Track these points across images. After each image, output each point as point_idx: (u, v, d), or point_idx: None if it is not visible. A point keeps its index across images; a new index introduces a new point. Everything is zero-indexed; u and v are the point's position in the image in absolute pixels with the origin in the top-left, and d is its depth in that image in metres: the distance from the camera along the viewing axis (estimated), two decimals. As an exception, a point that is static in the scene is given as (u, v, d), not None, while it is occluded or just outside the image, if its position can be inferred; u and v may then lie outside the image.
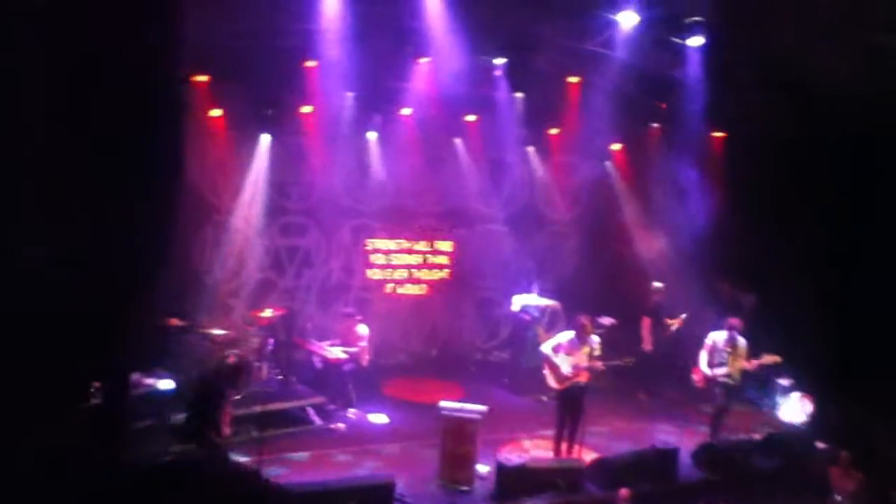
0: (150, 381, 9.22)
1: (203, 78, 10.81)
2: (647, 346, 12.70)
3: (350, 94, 12.09)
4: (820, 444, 10.76)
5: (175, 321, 10.27)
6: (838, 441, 10.39)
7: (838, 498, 9.06)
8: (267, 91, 11.24)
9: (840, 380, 10.91)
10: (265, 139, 11.94)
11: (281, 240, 12.78)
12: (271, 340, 10.86)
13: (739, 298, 12.94)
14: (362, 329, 11.31)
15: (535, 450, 10.30)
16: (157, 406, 9.14)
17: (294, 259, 12.91)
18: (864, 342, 11.22)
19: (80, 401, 7.62)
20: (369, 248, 13.43)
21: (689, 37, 11.49)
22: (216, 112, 11.35)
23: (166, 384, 9.32)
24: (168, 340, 10.23)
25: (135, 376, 8.85)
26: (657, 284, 13.03)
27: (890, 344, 10.87)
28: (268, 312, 11.03)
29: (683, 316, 12.46)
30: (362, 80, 11.44)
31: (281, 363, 11.16)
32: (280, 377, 10.97)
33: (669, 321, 12.61)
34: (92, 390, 7.95)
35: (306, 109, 11.91)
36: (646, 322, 12.80)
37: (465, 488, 8.97)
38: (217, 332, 10.52)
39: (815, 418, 11.51)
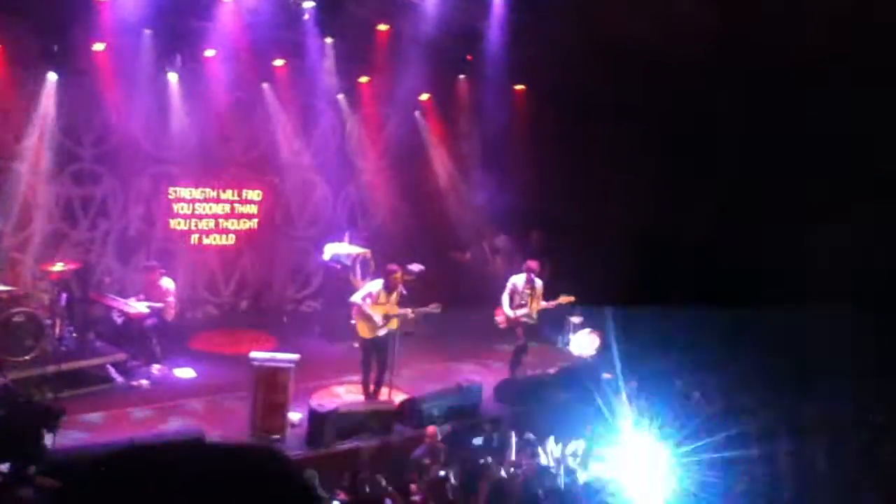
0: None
1: (-25, 7, 9.74)
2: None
3: (148, 32, 11.34)
4: (607, 375, 11.81)
5: (-52, 278, 9.39)
6: (622, 372, 11.46)
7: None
8: (53, 25, 10.32)
9: (623, 317, 12.03)
10: (52, 78, 10.97)
11: (73, 188, 11.87)
12: (64, 296, 10.18)
13: (538, 244, 13.80)
14: (167, 283, 10.87)
15: (348, 395, 10.51)
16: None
17: (88, 209, 12.04)
18: (646, 281, 12.41)
19: None
20: (172, 196, 12.79)
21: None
22: (-7, 47, 10.28)
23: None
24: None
25: None
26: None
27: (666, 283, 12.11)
28: (59, 266, 10.31)
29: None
30: (161, 17, 10.81)
31: (76, 320, 10.50)
32: (75, 334, 10.34)
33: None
34: None
35: (99, 47, 11.03)
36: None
37: (277, 437, 9.01)
38: (2, 287, 9.71)
39: (602, 352, 12.60)
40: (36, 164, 11.24)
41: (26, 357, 9.38)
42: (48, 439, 7.32)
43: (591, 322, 12.96)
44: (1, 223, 10.93)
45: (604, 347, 12.66)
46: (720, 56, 11.70)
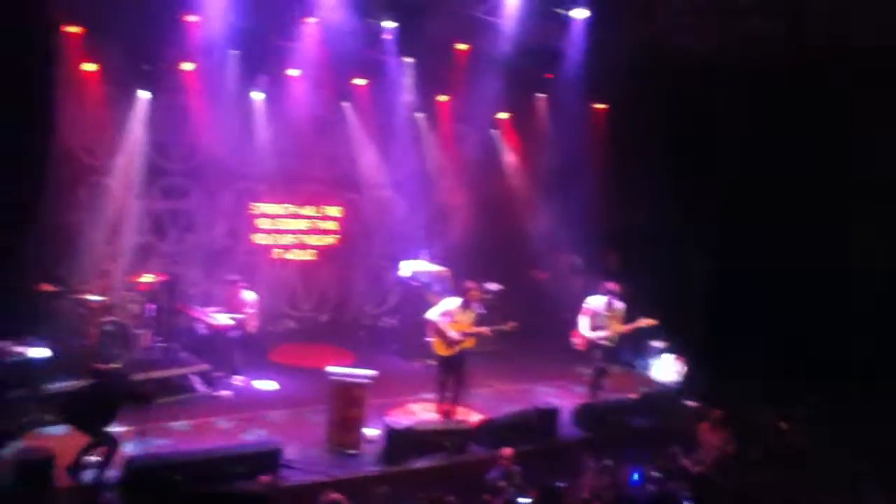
0: (20, 348, 8.75)
1: (76, 29, 10.16)
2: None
3: (234, 52, 11.66)
4: (689, 403, 11.46)
5: (47, 286, 9.75)
6: (705, 400, 11.11)
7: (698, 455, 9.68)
8: (145, 45, 10.69)
9: (709, 343, 11.66)
10: (143, 96, 11.37)
11: (162, 202, 12.27)
12: (152, 307, 10.49)
13: (617, 264, 13.52)
14: (248, 295, 11.10)
15: (423, 413, 10.47)
16: (29, 374, 8.70)
17: (176, 222, 12.43)
18: (733, 308, 12.02)
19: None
20: (255, 212, 13.10)
21: (572, 8, 11.78)
22: (91, 66, 10.70)
23: (39, 352, 8.87)
24: (40, 307, 9.72)
25: (2, 343, 8.39)
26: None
27: (757, 311, 11.68)
28: (148, 278, 10.63)
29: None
30: (247, 38, 11.09)
31: (163, 330, 10.79)
32: (161, 344, 10.62)
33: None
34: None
35: (187, 66, 11.40)
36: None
37: (353, 452, 9.03)
38: (93, 297, 10.06)
39: (686, 379, 12.22)
40: (127, 179, 11.65)
41: (114, 365, 9.66)
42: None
43: (674, 347, 12.59)
44: (94, 235, 11.33)
45: (688, 373, 12.29)
46: (801, 70, 11.30)
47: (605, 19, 12.08)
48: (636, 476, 8.60)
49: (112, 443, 7.69)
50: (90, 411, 7.71)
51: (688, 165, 12.82)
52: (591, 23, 12.19)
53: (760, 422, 10.48)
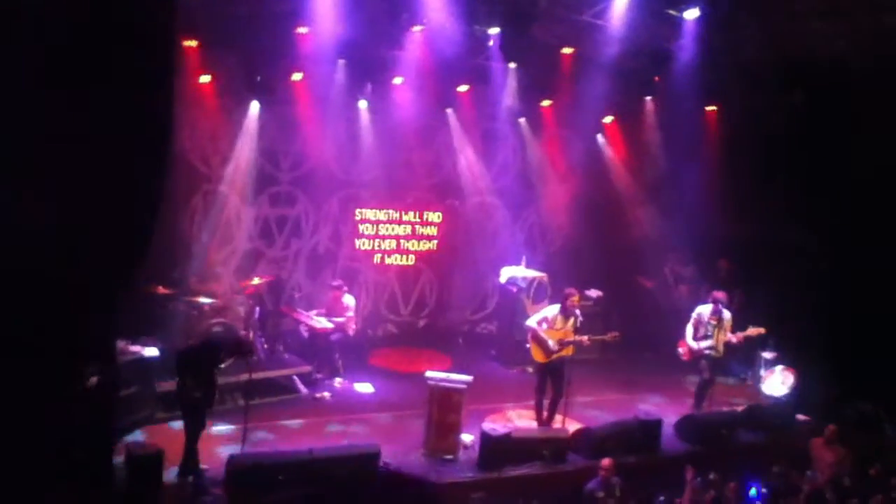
0: (135, 348, 9.22)
1: (192, 43, 10.66)
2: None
3: (342, 62, 11.95)
4: (801, 417, 10.90)
5: (162, 289, 10.26)
6: (818, 414, 10.54)
7: (811, 473, 9.17)
8: (257, 57, 11.08)
9: (823, 355, 11.04)
10: (255, 107, 11.81)
11: (270, 209, 12.69)
12: (258, 309, 10.86)
13: (727, 273, 13.02)
14: (349, 299, 11.33)
15: (521, 420, 10.38)
16: (143, 373, 9.16)
17: (283, 228, 12.83)
18: (849, 319, 11.34)
19: (75, 373, 7.59)
20: (358, 218, 13.36)
21: (685, 9, 11.43)
22: (206, 78, 11.20)
23: (152, 351, 9.34)
24: (155, 308, 10.24)
25: (121, 343, 8.86)
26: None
27: (873, 322, 10.98)
28: (255, 281, 11.02)
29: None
30: (354, 48, 11.31)
31: (267, 332, 11.17)
32: (266, 346, 10.98)
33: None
34: (85, 361, 7.93)
35: (297, 77, 11.76)
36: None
37: (449, 457, 9.05)
38: (204, 300, 10.50)
39: (797, 391, 11.63)
40: (239, 186, 12.11)
41: (221, 365, 10.04)
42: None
43: (784, 358, 12.01)
44: (206, 240, 11.84)
45: (798, 386, 11.68)
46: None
47: (718, 19, 11.68)
48: (754, 491, 8.23)
49: (200, 422, 8.07)
50: (197, 358, 8.25)
51: (809, 175, 12.20)
52: (703, 23, 11.80)
53: (878, 439, 9.86)
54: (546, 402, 10.03)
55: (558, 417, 9.99)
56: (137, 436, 8.78)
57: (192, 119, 11.45)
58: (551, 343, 9.76)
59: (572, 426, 9.85)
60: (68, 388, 6.99)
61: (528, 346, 10.10)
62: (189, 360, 8.26)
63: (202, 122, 11.63)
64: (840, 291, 11.63)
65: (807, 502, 7.98)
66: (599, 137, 14.54)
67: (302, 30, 10.77)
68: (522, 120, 13.97)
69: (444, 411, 9.16)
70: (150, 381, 9.24)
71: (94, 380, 7.21)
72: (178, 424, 8.80)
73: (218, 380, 8.45)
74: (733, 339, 10.67)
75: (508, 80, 12.95)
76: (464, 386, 9.29)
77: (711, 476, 8.42)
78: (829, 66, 11.16)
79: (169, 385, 9.29)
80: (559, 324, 9.83)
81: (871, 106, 11.30)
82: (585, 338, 9.87)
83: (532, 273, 12.97)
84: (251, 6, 10.25)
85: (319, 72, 11.81)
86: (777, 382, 11.91)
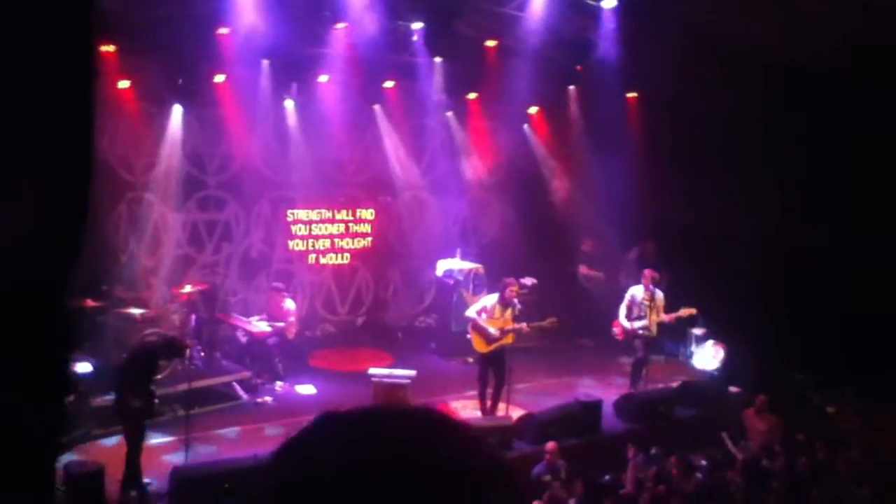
0: (68, 363, 8.94)
1: (110, 48, 10.35)
2: (590, 280, 13.23)
3: (266, 62, 11.80)
4: (733, 389, 11.31)
5: (91, 302, 9.96)
6: (749, 386, 10.96)
7: (745, 442, 9.53)
8: (178, 60, 10.86)
9: (751, 329, 11.47)
10: (177, 110, 11.56)
11: (199, 214, 12.45)
12: (193, 317, 10.66)
13: (654, 255, 13.37)
14: (290, 304, 11.23)
15: (465, 411, 10.47)
16: (77, 389, 8.89)
17: (213, 233, 12.61)
18: (774, 293, 11.82)
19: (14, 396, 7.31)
20: (290, 219, 13.21)
21: (603, -1, 11.69)
22: (124, 83, 10.90)
23: (84, 367, 9.07)
24: (85, 322, 9.93)
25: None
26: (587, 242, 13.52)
27: (799, 297, 11.47)
28: (188, 288, 10.81)
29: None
30: (277, 47, 11.17)
31: (204, 339, 10.96)
32: (203, 354, 10.79)
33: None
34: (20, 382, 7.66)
35: (220, 78, 11.55)
36: (582, 269, 13.29)
37: (396, 452, 9.05)
38: (136, 311, 10.25)
39: (728, 365, 12.07)
40: (165, 192, 11.84)
41: (159, 376, 9.83)
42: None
43: (714, 334, 12.44)
44: (135, 249, 11.55)
45: (728, 360, 12.13)
46: (843, 56, 11.01)
47: (636, 6, 11.95)
48: None
49: (140, 434, 7.92)
50: (134, 369, 8.07)
51: (731, 155, 12.63)
52: (621, 11, 12.07)
53: (807, 406, 10.32)
54: (489, 392, 10.15)
55: (501, 405, 10.12)
56: (73, 455, 8.52)
57: (113, 125, 11.11)
58: (492, 331, 9.88)
59: (516, 413, 10.00)
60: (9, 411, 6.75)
61: (468, 336, 10.20)
62: (125, 371, 8.06)
63: (123, 128, 11.29)
64: (766, 268, 12.09)
65: (744, 470, 8.30)
66: (525, 127, 14.72)
67: (223, 31, 10.60)
68: (450, 113, 14.05)
69: (388, 407, 9.16)
70: (84, 398, 8.98)
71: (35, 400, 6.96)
72: (114, 440, 8.61)
73: (156, 390, 8.27)
74: (666, 319, 10.99)
75: (434, 74, 13.00)
76: (408, 380, 9.34)
77: (653, 451, 8.68)
78: (751, 48, 11.53)
79: (104, 400, 9.10)
80: (498, 313, 9.96)
81: (794, 84, 11.78)
82: (524, 325, 10.02)
83: (468, 265, 13.08)
84: (169, 8, 10.02)
85: (243, 72, 11.65)
86: (708, 357, 12.35)
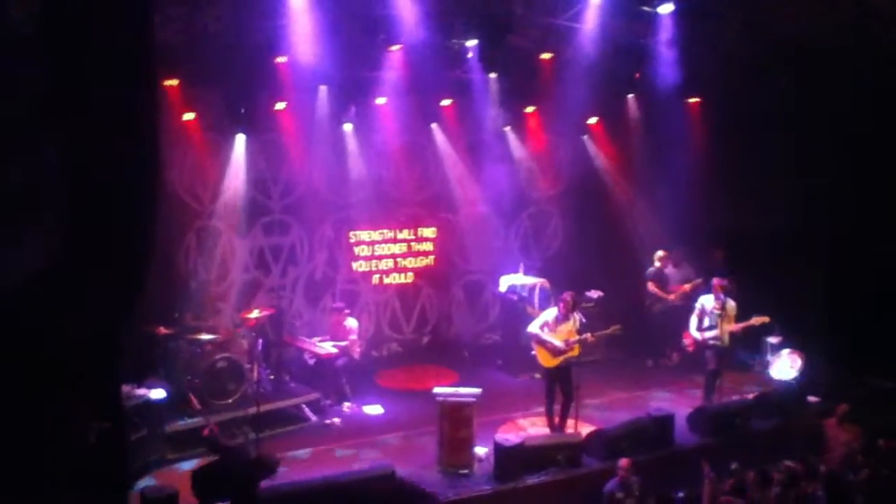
0: (141, 391, 9.19)
1: (173, 82, 10.70)
2: (661, 303, 12.86)
3: (323, 88, 12.01)
4: (812, 399, 10.90)
5: (163, 329, 10.24)
6: (829, 395, 10.54)
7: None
8: (239, 90, 11.12)
9: (828, 335, 11.06)
10: (241, 139, 11.83)
11: (264, 239, 12.69)
12: (261, 341, 10.83)
13: (722, 262, 13.01)
14: (351, 322, 11.32)
15: (533, 428, 10.36)
16: (151, 415, 9.13)
17: (279, 257, 12.83)
18: (848, 297, 11.38)
19: (83, 421, 7.53)
20: (353, 240, 13.35)
21: (658, 4, 11.52)
22: (189, 115, 11.22)
23: (158, 393, 9.31)
24: (157, 349, 10.22)
25: (126, 388, 8.82)
26: (660, 253, 13.11)
27: (874, 298, 11.01)
28: (255, 313, 11.00)
29: (697, 280, 12.52)
30: (334, 72, 11.36)
31: (272, 363, 11.13)
32: (272, 377, 10.95)
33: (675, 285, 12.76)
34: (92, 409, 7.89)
35: (280, 106, 11.80)
36: (651, 285, 12.99)
37: (465, 471, 9.02)
38: (206, 336, 10.48)
39: (806, 374, 11.63)
40: (231, 219, 12.12)
41: (229, 400, 10.05)
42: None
43: (790, 342, 12.02)
44: (203, 276, 11.83)
45: (806, 369, 11.69)
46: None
47: (693, 10, 11.76)
48: None
49: None
50: (223, 489, 7.76)
51: (800, 162, 12.26)
52: (678, 16, 11.88)
53: (891, 414, 9.87)
54: (557, 408, 10.02)
55: (570, 422, 9.96)
56: (149, 480, 8.72)
57: (180, 157, 11.47)
58: (557, 343, 9.77)
59: (585, 429, 9.83)
60: (76, 440, 6.95)
61: (533, 352, 10.10)
62: (209, 490, 7.85)
63: (189, 158, 11.65)
64: (838, 271, 11.66)
65: (826, 482, 7.97)
66: (585, 139, 14.58)
67: (281, 59, 10.82)
68: (508, 128, 14.02)
69: (455, 426, 9.13)
70: (158, 423, 9.21)
71: (102, 428, 7.16)
72: (188, 464, 8.79)
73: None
74: (737, 328, 10.69)
75: (490, 90, 13.00)
76: (473, 399, 9.27)
77: (733, 466, 8.40)
78: (811, 47, 11.21)
79: (177, 425, 9.31)
80: (560, 326, 9.86)
81: (858, 85, 11.38)
82: (589, 335, 9.89)
83: (531, 280, 12.98)
84: (228, 40, 10.28)
85: (302, 99, 11.87)
86: (785, 366, 11.90)
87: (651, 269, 13.13)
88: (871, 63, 10.98)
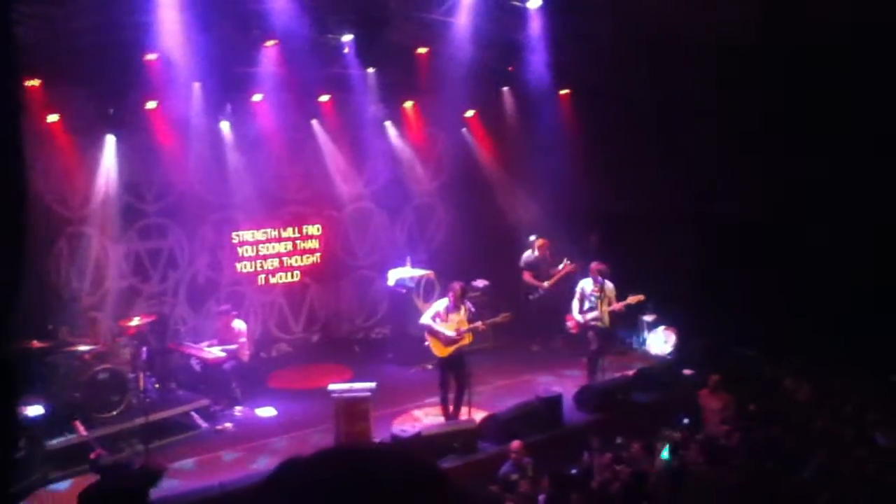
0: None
1: (35, 82, 10.12)
2: (537, 292, 13.16)
3: (197, 85, 11.66)
4: (687, 372, 11.56)
5: (37, 343, 9.71)
6: (702, 367, 11.21)
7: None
8: (106, 89, 10.67)
9: (697, 310, 11.75)
10: (110, 140, 11.34)
11: (141, 243, 12.22)
12: (144, 349, 10.44)
13: (597, 246, 13.53)
14: (239, 324, 11.10)
15: (428, 417, 10.49)
16: (30, 433, 8.66)
17: (157, 262, 12.38)
18: (718, 274, 12.12)
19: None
20: (236, 240, 13.07)
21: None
22: (53, 117, 10.66)
23: (36, 409, 8.84)
24: (32, 364, 9.67)
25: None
26: (532, 238, 13.45)
27: (742, 273, 11.78)
28: (136, 321, 10.60)
29: (567, 261, 12.92)
30: (208, 69, 11.03)
31: (157, 371, 10.75)
32: (158, 385, 10.58)
33: (555, 269, 13.11)
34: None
35: (151, 105, 11.38)
36: (526, 275, 13.24)
37: (363, 466, 9.03)
38: (84, 347, 10.01)
39: (680, 349, 12.33)
40: (104, 224, 11.61)
41: (113, 412, 9.65)
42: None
43: (664, 319, 12.70)
44: (77, 285, 11.29)
45: (680, 344, 12.40)
46: (767, 37, 11.34)
47: (560, 4, 12.14)
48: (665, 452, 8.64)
49: None
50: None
51: (662, 139, 12.90)
52: (546, 10, 12.25)
53: (761, 380, 10.61)
54: (451, 396, 10.19)
55: (464, 409, 10.17)
56: (29, 501, 8.29)
57: (44, 161, 10.86)
58: (449, 333, 9.93)
59: (479, 415, 10.05)
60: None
61: (426, 343, 10.23)
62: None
63: (55, 162, 11.05)
64: (706, 248, 12.38)
65: (702, 449, 8.48)
66: (464, 131, 14.84)
67: (150, 56, 10.44)
68: (388, 123, 14.07)
69: (352, 421, 9.16)
70: (38, 441, 8.74)
71: None
72: (70, 483, 8.41)
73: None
74: (616, 308, 11.18)
75: (368, 84, 13.01)
76: (368, 393, 9.32)
77: (618, 440, 8.81)
78: (671, 36, 11.79)
79: (58, 442, 8.88)
80: (452, 316, 10.02)
81: (720, 68, 12.07)
82: (480, 323, 10.11)
83: (419, 272, 13.12)
84: (93, 38, 9.83)
85: (175, 97, 11.47)
86: (660, 342, 12.59)
87: (528, 257, 13.42)
88: (728, 40, 11.65)
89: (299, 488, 1.10)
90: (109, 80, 10.41)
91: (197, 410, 10.41)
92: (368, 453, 1.20)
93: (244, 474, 8.69)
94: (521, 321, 12.87)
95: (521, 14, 12.40)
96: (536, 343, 13.37)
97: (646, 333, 12.92)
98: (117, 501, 7.42)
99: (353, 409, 9.19)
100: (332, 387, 9.42)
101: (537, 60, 12.94)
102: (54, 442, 8.95)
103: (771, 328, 11.00)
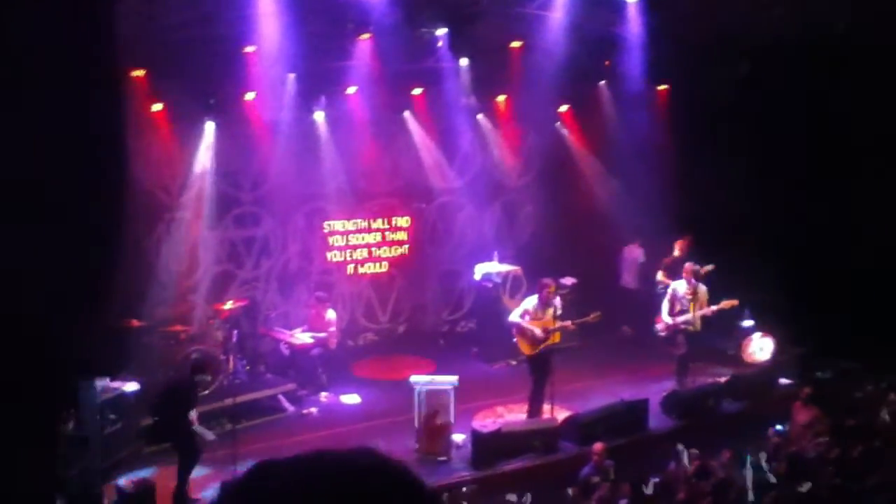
0: (115, 384, 9.11)
1: (140, 73, 10.55)
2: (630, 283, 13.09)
3: (292, 77, 11.90)
4: (784, 381, 11.08)
5: (135, 322, 10.14)
6: (800, 377, 10.72)
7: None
8: (207, 80, 10.99)
9: (797, 318, 11.23)
10: (210, 129, 11.71)
11: (236, 231, 12.58)
12: (235, 332, 10.78)
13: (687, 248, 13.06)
14: (330, 314, 11.31)
15: (509, 414, 10.43)
16: (126, 408, 9.06)
17: (251, 249, 12.73)
18: (821, 280, 11.57)
19: (53, 420, 7.44)
20: (326, 230, 13.30)
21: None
22: (157, 106, 11.08)
23: (132, 386, 9.23)
24: (130, 343, 10.11)
25: (100, 382, 8.74)
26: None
27: (845, 280, 11.21)
28: (229, 304, 10.94)
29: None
30: (304, 62, 11.26)
31: (247, 354, 11.09)
32: (248, 368, 10.90)
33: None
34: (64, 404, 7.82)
35: (249, 96, 11.70)
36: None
37: (443, 458, 9.07)
38: (179, 329, 10.40)
39: (777, 357, 11.81)
40: (200, 210, 12.00)
41: (205, 392, 9.98)
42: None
43: (761, 325, 12.18)
44: (174, 269, 11.72)
45: (778, 351, 11.88)
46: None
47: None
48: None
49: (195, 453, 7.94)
50: (172, 407, 8.14)
51: (758, 145, 12.41)
52: (644, 4, 11.96)
53: (859, 395, 10.07)
54: (535, 394, 10.06)
55: (546, 407, 10.05)
56: (124, 474, 8.66)
57: (148, 149, 11.31)
58: (537, 332, 9.82)
59: (561, 415, 9.92)
60: (45, 435, 6.88)
61: (514, 341, 10.15)
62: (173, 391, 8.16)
63: (158, 150, 11.49)
64: (803, 254, 11.85)
65: (788, 462, 8.13)
66: (557, 126, 14.64)
67: (249, 49, 10.72)
68: (480, 116, 14.02)
69: (432, 414, 9.18)
70: (133, 417, 9.14)
71: (70, 423, 7.10)
72: (163, 458, 8.74)
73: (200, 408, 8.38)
74: (708, 312, 10.82)
75: (461, 78, 12.98)
76: (450, 387, 9.32)
77: (706, 450, 8.53)
78: (768, 36, 11.35)
79: (152, 419, 9.25)
80: (540, 314, 9.92)
81: (813, 73, 11.55)
82: (569, 322, 9.97)
83: (506, 267, 13.03)
84: (195, 31, 10.17)
85: (271, 88, 11.75)
86: (756, 349, 12.08)
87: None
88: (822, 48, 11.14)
89: (271, 495, 1.13)
90: (210, 72, 10.73)
91: (284, 394, 10.67)
92: (345, 460, 1.21)
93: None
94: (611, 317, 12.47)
95: (618, 8, 12.16)
96: (628, 326, 13.13)
97: (741, 339, 12.42)
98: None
99: (434, 402, 9.21)
100: (414, 378, 9.46)
101: (634, 56, 12.65)
102: (147, 419, 9.31)
103: (876, 340, 10.41)
